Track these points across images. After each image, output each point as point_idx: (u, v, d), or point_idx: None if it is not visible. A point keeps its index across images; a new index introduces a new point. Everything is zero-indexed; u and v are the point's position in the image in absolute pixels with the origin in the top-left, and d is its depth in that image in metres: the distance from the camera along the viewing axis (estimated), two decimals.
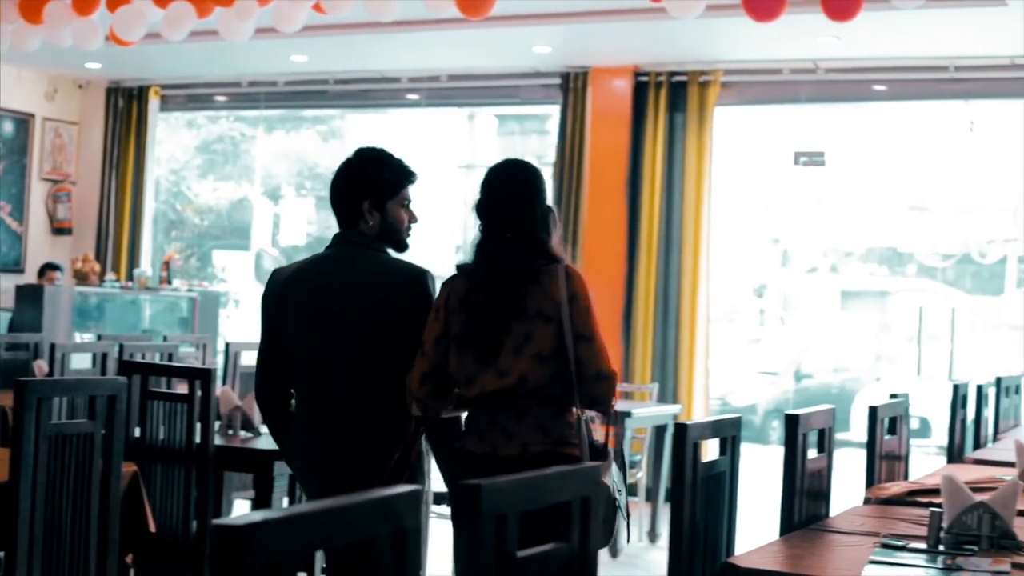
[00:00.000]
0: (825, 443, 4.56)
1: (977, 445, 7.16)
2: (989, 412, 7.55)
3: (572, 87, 10.96)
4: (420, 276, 4.23)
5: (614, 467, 4.11)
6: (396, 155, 4.37)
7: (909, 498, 4.78)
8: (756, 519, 5.98)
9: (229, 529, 1.67)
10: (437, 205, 19.52)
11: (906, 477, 5.63)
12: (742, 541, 4.15)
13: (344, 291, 4.17)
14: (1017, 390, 8.39)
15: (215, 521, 1.68)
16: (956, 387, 6.97)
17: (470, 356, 4.07)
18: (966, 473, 5.50)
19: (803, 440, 4.23)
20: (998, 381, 7.77)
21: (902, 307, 19.45)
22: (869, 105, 12.26)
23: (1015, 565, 3.61)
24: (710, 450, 4.71)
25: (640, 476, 9.11)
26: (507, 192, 4.17)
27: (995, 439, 7.42)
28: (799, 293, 19.74)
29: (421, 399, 4.10)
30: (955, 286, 19.59)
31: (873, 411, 5.15)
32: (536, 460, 3.91)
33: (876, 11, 7.60)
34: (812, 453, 4.45)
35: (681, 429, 3.74)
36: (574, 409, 4.07)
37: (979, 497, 3.92)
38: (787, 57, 10.28)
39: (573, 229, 10.80)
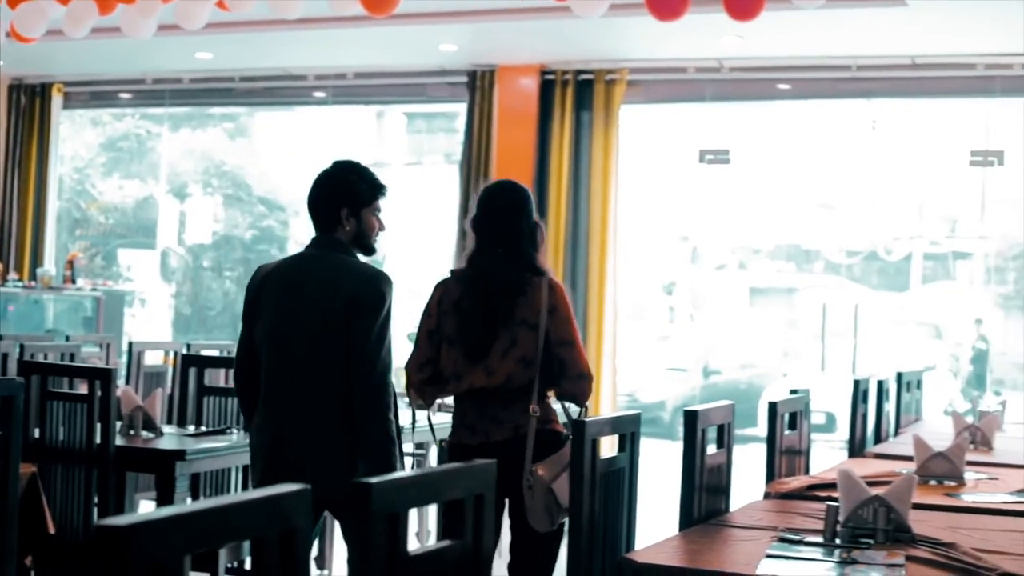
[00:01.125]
0: (725, 439, 4.59)
1: (878, 439, 7.25)
2: (890, 407, 7.66)
3: (479, 85, 10.97)
4: (376, 277, 4.58)
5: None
6: (371, 169, 4.78)
7: (808, 492, 4.83)
8: (660, 515, 6.01)
9: (111, 529, 1.65)
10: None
11: (807, 472, 5.69)
12: (643, 537, 4.17)
13: (308, 285, 4.56)
14: (919, 385, 8.51)
15: (97, 521, 1.67)
16: (857, 383, 7.06)
17: (460, 354, 4.58)
18: (866, 467, 5.57)
19: (702, 436, 4.27)
20: (899, 376, 7.87)
21: (809, 304, 19.65)
22: (773, 104, 12.38)
23: (909, 558, 3.65)
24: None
25: None
26: (498, 209, 4.68)
27: (896, 433, 7.52)
28: (708, 290, 19.88)
29: (418, 385, 4.65)
30: (861, 283, 19.82)
31: (773, 407, 5.19)
32: (526, 439, 4.49)
33: (778, 11, 7.65)
34: (712, 449, 4.48)
35: (579, 426, 3.76)
36: (532, 406, 4.55)
37: (875, 491, 3.98)
38: (692, 56, 10.36)
39: None
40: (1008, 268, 20.61)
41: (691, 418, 4.22)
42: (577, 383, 4.58)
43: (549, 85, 10.81)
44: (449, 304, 4.64)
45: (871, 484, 4.20)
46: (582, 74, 10.72)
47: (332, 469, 4.41)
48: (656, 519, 5.23)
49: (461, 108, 11.34)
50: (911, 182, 16.47)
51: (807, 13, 7.98)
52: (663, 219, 16.87)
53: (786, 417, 5.39)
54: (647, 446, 10.15)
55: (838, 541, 3.85)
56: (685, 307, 19.26)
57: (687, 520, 4.18)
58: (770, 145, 14.94)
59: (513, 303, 4.55)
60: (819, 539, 3.87)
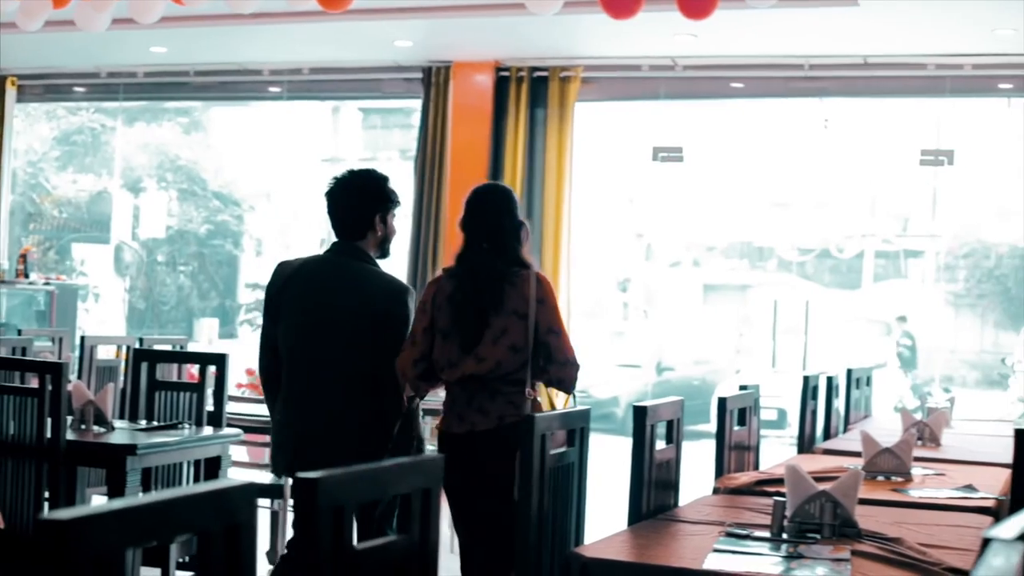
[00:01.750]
0: (674, 434, 4.62)
1: (828, 436, 7.30)
2: (840, 403, 7.71)
3: (434, 81, 10.96)
4: (403, 292, 4.98)
5: None
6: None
7: (757, 488, 4.87)
8: (612, 510, 6.04)
9: (52, 523, 1.66)
10: (301, 199, 19.41)
11: (756, 467, 5.72)
12: (593, 531, 4.20)
13: (338, 293, 4.90)
14: (868, 381, 8.57)
15: (41, 515, 1.67)
16: (806, 379, 7.10)
17: (454, 344, 4.80)
18: (814, 463, 5.61)
19: (651, 431, 4.29)
20: (849, 373, 7.93)
21: (762, 301, 19.74)
22: (726, 102, 12.44)
23: (855, 552, 3.69)
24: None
25: None
26: (484, 210, 4.96)
27: (846, 430, 7.57)
28: (661, 287, 19.95)
29: (413, 380, 4.87)
30: (814, 280, 19.93)
31: (722, 402, 5.23)
32: (510, 429, 4.64)
33: (732, 10, 7.70)
34: (661, 444, 4.51)
35: (529, 421, 3.78)
36: (528, 390, 4.81)
37: (822, 486, 4.01)
38: (646, 54, 10.39)
39: (435, 223, 10.82)
40: (959, 266, 20.77)
41: (640, 414, 4.25)
42: (564, 369, 4.83)
43: (504, 82, 10.81)
44: (443, 299, 4.86)
45: (818, 480, 4.24)
46: (537, 71, 10.73)
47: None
48: (607, 514, 5.25)
49: (417, 104, 11.33)
50: (863, 181, 16.60)
51: (760, 12, 8.02)
52: (618, 216, 16.93)
53: (735, 413, 5.43)
54: (600, 442, 10.17)
55: (785, 536, 3.88)
56: (639, 304, 19.32)
57: (636, 515, 4.21)
58: (723, 143, 15.01)
59: (503, 293, 4.80)
60: (766, 534, 3.90)
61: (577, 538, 4.17)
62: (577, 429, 4.17)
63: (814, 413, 7.14)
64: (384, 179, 5.11)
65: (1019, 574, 1.79)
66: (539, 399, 4.94)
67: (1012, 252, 20.16)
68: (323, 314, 4.87)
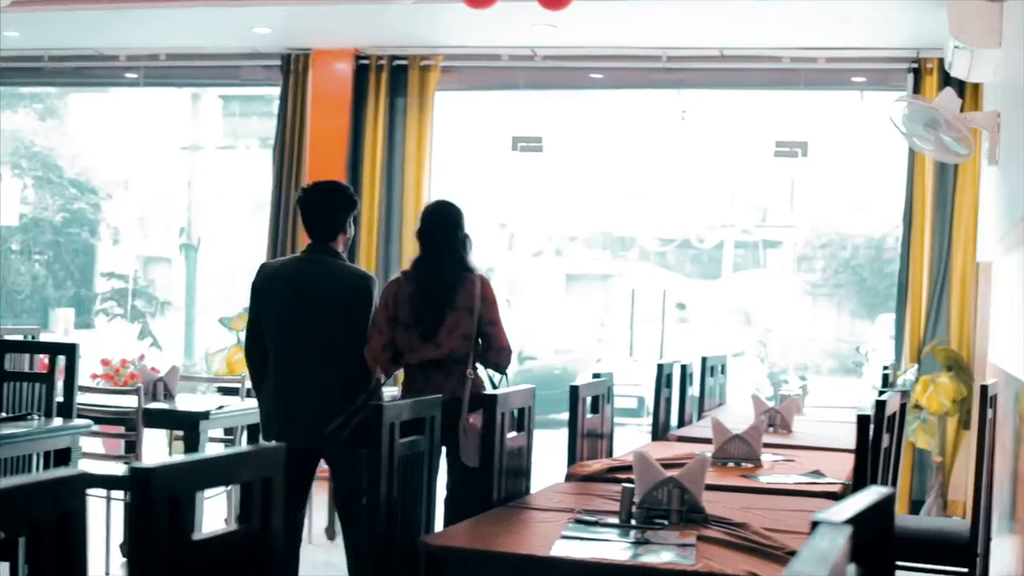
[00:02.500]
0: (525, 422, 4.65)
1: (682, 423, 7.40)
2: (694, 391, 7.82)
3: (293, 69, 10.87)
4: (367, 280, 5.93)
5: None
6: None
7: (608, 475, 4.92)
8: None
9: None
10: (159, 187, 19.18)
11: (610, 454, 5.78)
12: (443, 520, 4.21)
13: (315, 283, 5.82)
14: (723, 369, 8.70)
15: None
16: (660, 367, 7.19)
17: (415, 334, 5.79)
18: (667, 450, 5.68)
19: (502, 420, 4.31)
20: (703, 361, 8.04)
21: (624, 291, 19.92)
22: (586, 93, 12.51)
23: (701, 537, 3.75)
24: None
25: None
26: (437, 222, 5.99)
27: (700, 417, 7.68)
28: (524, 276, 20.04)
29: (383, 364, 5.83)
30: (676, 271, 20.15)
31: (575, 390, 5.27)
32: (458, 402, 5.65)
33: (590, 1, 7.74)
34: (512, 433, 4.54)
35: (377, 410, 3.77)
36: (469, 370, 5.82)
37: (670, 473, 4.07)
38: (506, 44, 10.39)
39: (293, 212, 10.74)
40: (816, 256, 21.13)
41: (490, 403, 4.27)
42: (499, 354, 5.86)
43: (364, 70, 10.76)
44: (404, 297, 5.84)
45: (668, 466, 4.30)
46: (396, 60, 10.70)
47: (329, 424, 5.59)
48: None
49: (277, 92, 11.23)
50: (722, 172, 16.81)
51: (618, 3, 8.08)
52: (480, 206, 16.95)
53: (588, 401, 5.47)
54: None
55: (633, 522, 3.93)
56: (502, 293, 19.37)
57: (486, 503, 4.23)
58: (583, 133, 15.10)
59: (456, 293, 5.82)
60: (615, 520, 3.94)
61: (427, 527, 4.17)
62: (427, 418, 4.17)
63: (668, 401, 7.23)
64: (349, 189, 6.09)
65: (843, 557, 1.82)
66: (480, 377, 5.93)
67: (868, 243, 20.55)
68: (305, 300, 5.80)
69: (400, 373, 6.20)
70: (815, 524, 1.89)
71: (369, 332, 5.82)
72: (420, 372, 5.87)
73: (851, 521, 1.88)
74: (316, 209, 5.93)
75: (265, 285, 5.93)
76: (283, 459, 2.63)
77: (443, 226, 5.99)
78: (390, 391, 7.00)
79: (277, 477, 2.57)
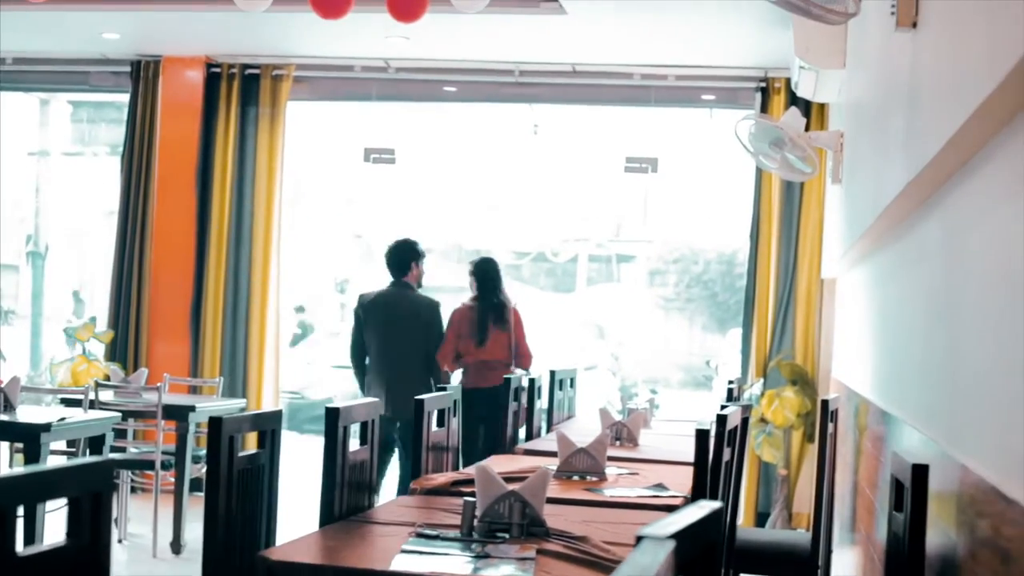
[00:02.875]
0: (369, 435, 4.63)
1: (530, 436, 7.42)
2: (543, 404, 7.84)
3: (143, 76, 10.73)
4: (436, 304, 9.01)
5: None
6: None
7: (452, 488, 4.92)
8: (309, 512, 6.00)
9: None
10: (7, 193, 18.79)
11: (456, 468, 5.77)
12: (287, 534, 4.16)
13: (401, 308, 8.92)
14: (572, 383, 8.74)
15: None
16: (508, 380, 7.22)
17: (472, 342, 8.88)
18: (512, 463, 5.70)
19: (344, 432, 4.28)
20: (552, 374, 8.08)
21: None
22: (439, 105, 12.51)
23: (541, 551, 3.76)
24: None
25: (204, 470, 9.00)
26: (486, 270, 9.13)
27: (548, 430, 7.70)
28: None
29: (449, 362, 8.90)
30: (531, 284, 20.22)
31: (419, 404, 5.26)
32: (502, 387, 7.31)
33: (443, 14, 7.72)
34: (355, 445, 4.51)
35: (216, 423, 3.73)
36: (510, 367, 8.83)
37: (512, 486, 4.07)
38: (359, 55, 10.37)
39: (142, 219, 10.60)
40: (669, 271, 21.33)
41: (332, 415, 4.24)
42: (523, 359, 8.96)
43: (215, 78, 10.67)
44: (465, 318, 8.94)
45: (511, 480, 4.30)
46: (249, 68, 10.62)
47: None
48: (302, 516, 5.22)
49: (127, 99, 11.07)
50: (575, 186, 16.90)
51: (471, 17, 8.06)
52: (336, 217, 16.86)
53: (434, 414, 5.47)
54: (312, 443, 10.06)
55: (475, 536, 3.93)
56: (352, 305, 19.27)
57: (327, 516, 4.20)
58: (436, 146, 15.10)
59: (501, 318, 8.93)
60: (456, 534, 3.94)
61: (268, 540, 4.13)
62: (268, 431, 4.13)
63: (516, 414, 7.25)
64: (413, 243, 9.10)
65: (667, 571, 1.83)
66: (514, 373, 8.32)
67: (719, 258, 20.78)
68: (395, 321, 8.86)
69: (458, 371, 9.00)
70: (639, 539, 1.90)
71: (442, 342, 8.85)
72: (475, 368, 8.87)
73: (676, 536, 1.89)
74: (392, 257, 8.99)
75: (366, 312, 8.92)
76: (111, 475, 2.59)
77: (490, 273, 9.03)
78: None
79: (107, 492, 2.52)
